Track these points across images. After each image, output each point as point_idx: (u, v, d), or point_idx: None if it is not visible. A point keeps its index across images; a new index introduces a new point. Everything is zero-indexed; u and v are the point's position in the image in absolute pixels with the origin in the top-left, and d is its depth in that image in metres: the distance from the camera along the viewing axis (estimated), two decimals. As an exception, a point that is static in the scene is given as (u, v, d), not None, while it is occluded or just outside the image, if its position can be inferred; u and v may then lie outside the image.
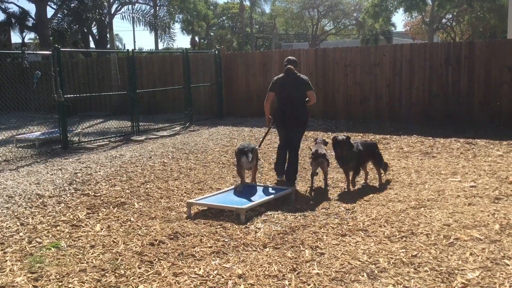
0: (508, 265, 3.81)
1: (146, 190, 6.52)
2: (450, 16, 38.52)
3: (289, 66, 6.64)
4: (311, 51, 13.50)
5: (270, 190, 6.08)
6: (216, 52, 14.40)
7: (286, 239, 4.58)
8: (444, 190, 6.06)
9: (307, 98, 6.66)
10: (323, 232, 4.73)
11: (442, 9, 34.36)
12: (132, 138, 11.03)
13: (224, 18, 54.49)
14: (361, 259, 4.04)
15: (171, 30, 23.93)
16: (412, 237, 4.49)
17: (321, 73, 12.88)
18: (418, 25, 40.40)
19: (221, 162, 8.29)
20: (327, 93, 12.82)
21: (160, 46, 36.16)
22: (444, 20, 38.61)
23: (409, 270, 3.80)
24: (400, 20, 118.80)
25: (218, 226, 4.99)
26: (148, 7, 22.57)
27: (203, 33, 51.24)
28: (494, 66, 10.67)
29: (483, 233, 4.48)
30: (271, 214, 5.38)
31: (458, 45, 11.76)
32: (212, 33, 52.40)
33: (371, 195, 6.06)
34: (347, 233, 4.68)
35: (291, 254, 4.21)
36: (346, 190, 6.30)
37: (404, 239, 4.46)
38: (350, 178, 6.34)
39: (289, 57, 6.94)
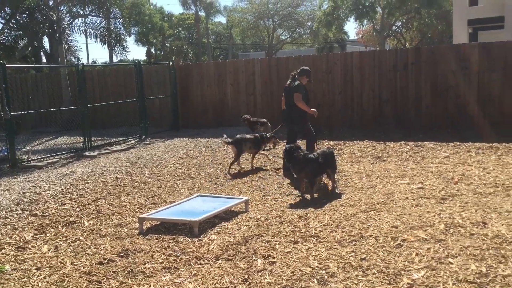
0: (451, 263, 3.95)
1: (97, 207, 6.37)
2: (400, 23, 39.86)
3: (293, 73, 7.82)
4: (264, 61, 13.64)
5: (224, 200, 6.07)
6: (170, 63, 14.32)
7: (239, 249, 4.58)
8: (393, 192, 6.23)
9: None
10: (276, 241, 4.76)
11: (392, 17, 35.53)
12: (84, 154, 10.76)
13: (180, 29, 54.33)
14: (312, 266, 4.09)
15: (124, 42, 23.59)
16: (362, 241, 4.58)
17: (276, 82, 13.02)
18: (370, 33, 41.60)
19: (176, 175, 8.21)
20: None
21: (115, 59, 35.63)
22: (394, 27, 39.91)
23: (358, 274, 3.88)
24: (352, 28, 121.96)
25: (171, 241, 4.93)
26: (100, 19, 22.18)
27: (159, 45, 50.86)
28: (439, 71, 11.10)
29: (429, 233, 4.63)
30: (225, 225, 5.37)
31: (405, 51, 12.16)
32: (168, 44, 52.08)
33: (324, 201, 6.15)
34: (299, 240, 4.73)
35: (243, 264, 4.21)
36: (300, 197, 6.37)
37: (354, 243, 4.55)
38: (306, 185, 6.41)
39: (302, 67, 7.98)
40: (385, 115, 11.78)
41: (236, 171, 8.27)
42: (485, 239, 4.40)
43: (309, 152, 6.89)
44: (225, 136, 8.70)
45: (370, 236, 4.68)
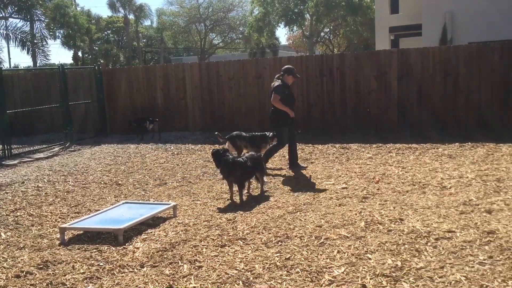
0: (370, 259, 4.14)
1: (16, 218, 6.04)
2: (328, 30, 41.23)
3: (277, 75, 7.94)
4: (195, 65, 13.58)
5: (151, 206, 5.97)
6: (96, 67, 13.87)
7: (165, 256, 4.52)
8: (319, 193, 6.43)
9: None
10: (203, 245, 4.74)
11: (320, 24, 36.65)
12: (3, 163, 10.16)
13: (109, 32, 52.73)
14: (238, 268, 4.12)
15: (46, 47, 22.55)
16: (287, 241, 4.68)
17: (207, 87, 13.01)
18: (300, 39, 42.66)
19: (102, 182, 7.96)
20: (214, 105, 12.98)
21: (39, 63, 33.90)
22: (322, 34, 41.22)
23: (282, 273, 3.96)
24: (283, 34, 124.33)
25: (94, 250, 4.77)
26: (22, 22, 21.07)
27: (86, 48, 49.06)
28: (363, 76, 11.60)
29: (350, 231, 4.82)
30: (151, 232, 5.28)
31: (330, 57, 12.58)
32: (96, 48, 50.37)
33: (252, 204, 6.22)
34: (226, 243, 4.75)
35: (169, 271, 4.17)
36: (230, 201, 6.40)
37: (280, 244, 4.64)
38: (235, 189, 6.41)
39: (285, 66, 8.10)
40: (314, 119, 12.12)
41: (168, 176, 8.15)
42: (402, 234, 4.65)
43: (246, 156, 6.83)
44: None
45: (296, 236, 4.80)
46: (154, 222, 5.59)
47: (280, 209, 5.84)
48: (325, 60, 12.02)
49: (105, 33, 52.12)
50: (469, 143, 9.26)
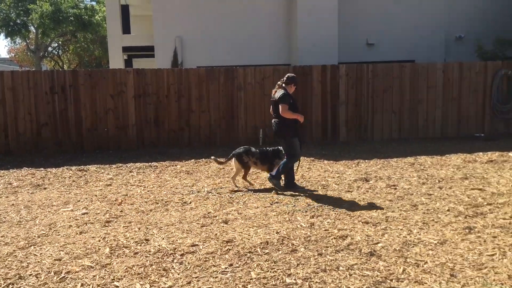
0: (118, 286, 3.92)
1: None
2: (56, 45, 38.69)
3: (278, 82, 7.16)
4: None
5: None
6: None
7: None
8: (56, 222, 5.82)
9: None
10: None
11: (47, 38, 34.08)
12: None
13: None
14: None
15: None
16: (21, 282, 4.05)
17: None
18: (24, 52, 38.79)
19: None
20: None
21: None
22: (50, 49, 38.41)
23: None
24: (3, 46, 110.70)
25: None
26: None
27: None
28: (98, 94, 11.22)
29: (94, 260, 4.49)
30: None
31: (62, 73, 11.72)
32: None
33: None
34: None
35: None
36: None
37: (11, 286, 3.97)
38: None
39: (288, 74, 7.18)
40: (45, 140, 11.07)
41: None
42: (148, 255, 4.59)
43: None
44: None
45: (30, 275, 4.19)
46: None
47: (9, 245, 5.03)
48: (57, 76, 11.16)
49: None
50: (203, 159, 9.95)
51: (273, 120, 7.18)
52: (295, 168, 7.30)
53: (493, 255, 4.43)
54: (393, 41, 14.97)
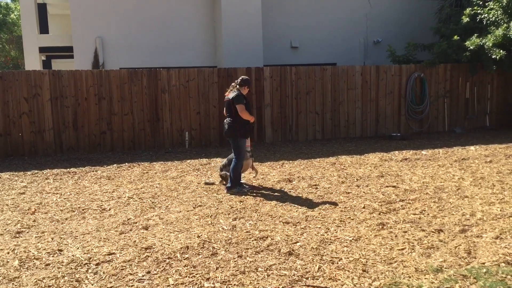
0: (26, 301, 3.70)
1: None
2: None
3: (232, 83, 7.40)
4: None
5: None
6: None
7: None
8: (-41, 236, 5.39)
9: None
10: None
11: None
12: None
13: None
14: None
15: None
16: None
17: None
18: None
19: None
20: None
21: None
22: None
23: None
24: None
25: None
26: None
27: None
28: (11, 97, 10.55)
29: (1, 274, 4.21)
30: None
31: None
32: None
33: None
34: None
35: None
36: None
37: None
38: None
39: (242, 77, 7.42)
40: (-50, 147, 10.24)
41: None
42: (61, 266, 4.37)
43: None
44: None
45: None
46: None
47: None
48: (-37, 78, 10.35)
49: None
50: (126, 163, 9.67)
51: (225, 120, 7.36)
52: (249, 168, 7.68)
53: (403, 249, 4.68)
54: (316, 44, 15.42)
